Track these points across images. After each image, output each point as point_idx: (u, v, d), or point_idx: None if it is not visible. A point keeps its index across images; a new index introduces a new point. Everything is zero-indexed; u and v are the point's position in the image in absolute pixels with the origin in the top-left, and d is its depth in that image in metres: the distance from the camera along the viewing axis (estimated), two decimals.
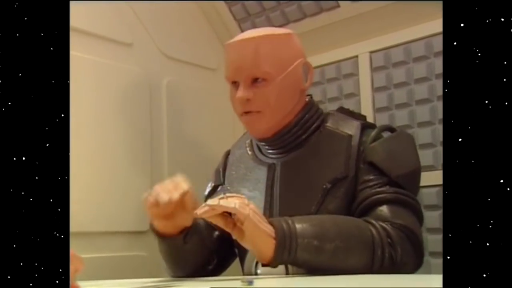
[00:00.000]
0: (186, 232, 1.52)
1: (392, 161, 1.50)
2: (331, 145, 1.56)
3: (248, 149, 1.71)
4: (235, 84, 1.58)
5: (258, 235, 1.28)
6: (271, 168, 1.61)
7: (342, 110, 1.67)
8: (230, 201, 1.27)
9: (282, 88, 1.56)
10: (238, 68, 1.56)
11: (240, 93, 1.54)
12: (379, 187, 1.47)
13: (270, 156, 1.64)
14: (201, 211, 1.29)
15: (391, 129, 1.61)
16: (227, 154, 1.81)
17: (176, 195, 1.38)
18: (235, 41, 1.60)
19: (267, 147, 1.64)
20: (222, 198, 1.28)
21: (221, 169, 1.79)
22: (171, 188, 1.40)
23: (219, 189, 1.78)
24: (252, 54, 1.54)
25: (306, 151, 1.58)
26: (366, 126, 1.59)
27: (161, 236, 1.52)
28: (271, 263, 1.30)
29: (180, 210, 1.44)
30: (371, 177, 1.49)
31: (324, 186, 1.50)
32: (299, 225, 1.32)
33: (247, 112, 1.57)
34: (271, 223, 1.33)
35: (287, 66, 1.57)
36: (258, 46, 1.54)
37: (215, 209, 1.27)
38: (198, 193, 1.84)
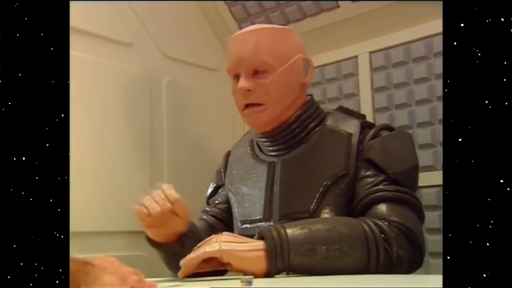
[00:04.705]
0: (183, 238, 1.52)
1: (389, 158, 1.50)
2: (331, 143, 1.57)
3: (248, 148, 1.73)
4: (237, 78, 1.61)
5: (242, 256, 1.29)
6: (271, 166, 1.62)
7: (341, 109, 1.68)
8: (199, 250, 1.30)
9: (283, 80, 1.58)
10: (239, 60, 1.59)
11: (241, 83, 1.57)
12: (377, 184, 1.48)
13: (270, 154, 1.65)
14: (179, 274, 1.33)
15: (389, 128, 1.61)
16: (228, 154, 1.82)
17: (168, 205, 1.42)
18: (236, 34, 1.64)
19: (267, 143, 1.65)
20: (194, 249, 1.32)
21: (222, 170, 1.81)
22: (160, 199, 1.43)
23: (220, 189, 1.79)
24: (253, 45, 1.57)
25: (306, 149, 1.59)
26: (365, 125, 1.60)
27: (158, 245, 1.53)
28: (268, 273, 1.30)
29: (172, 217, 1.47)
30: (369, 174, 1.50)
31: (324, 183, 1.51)
32: (290, 230, 1.33)
33: (248, 105, 1.59)
34: (261, 233, 1.34)
35: (287, 59, 1.60)
36: (259, 38, 1.58)
37: (192, 263, 1.31)
38: (197, 194, 1.85)
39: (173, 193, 1.43)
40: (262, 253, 1.29)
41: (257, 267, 1.29)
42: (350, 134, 1.56)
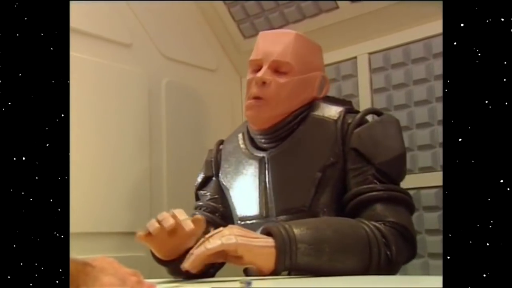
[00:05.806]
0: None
1: (376, 147, 1.52)
2: (317, 132, 1.58)
3: (241, 142, 1.73)
4: (255, 72, 1.63)
5: (256, 252, 1.29)
6: (261, 162, 1.63)
7: (327, 98, 1.70)
8: (214, 241, 1.28)
9: (297, 87, 1.61)
10: (267, 52, 1.62)
11: (261, 73, 1.60)
12: (368, 179, 1.49)
13: (263, 146, 1.65)
14: (189, 263, 1.29)
15: (376, 112, 1.63)
16: (219, 143, 1.82)
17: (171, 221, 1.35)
18: (272, 30, 1.72)
19: (262, 140, 1.65)
20: (204, 241, 1.29)
21: (212, 160, 1.80)
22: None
23: (210, 181, 1.78)
24: (284, 44, 1.62)
25: (293, 142, 1.60)
26: (350, 111, 1.61)
27: (167, 263, 1.47)
28: (275, 271, 1.30)
29: (183, 236, 1.39)
30: (358, 165, 1.51)
31: (315, 176, 1.52)
32: (297, 230, 1.33)
33: (256, 98, 1.60)
34: (268, 230, 1.34)
35: (309, 70, 1.63)
36: (292, 41, 1.62)
37: (206, 255, 1.28)
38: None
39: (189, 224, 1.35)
40: (273, 250, 1.30)
41: (267, 263, 1.30)
42: (335, 121, 1.57)
